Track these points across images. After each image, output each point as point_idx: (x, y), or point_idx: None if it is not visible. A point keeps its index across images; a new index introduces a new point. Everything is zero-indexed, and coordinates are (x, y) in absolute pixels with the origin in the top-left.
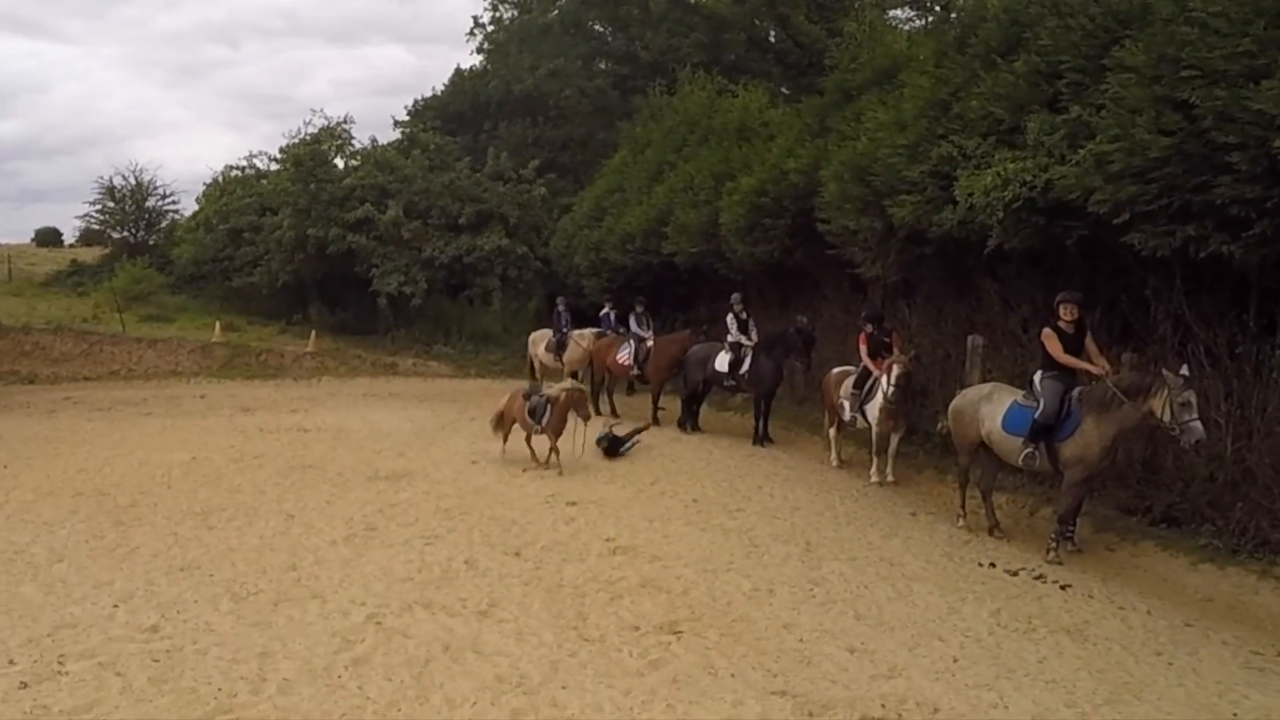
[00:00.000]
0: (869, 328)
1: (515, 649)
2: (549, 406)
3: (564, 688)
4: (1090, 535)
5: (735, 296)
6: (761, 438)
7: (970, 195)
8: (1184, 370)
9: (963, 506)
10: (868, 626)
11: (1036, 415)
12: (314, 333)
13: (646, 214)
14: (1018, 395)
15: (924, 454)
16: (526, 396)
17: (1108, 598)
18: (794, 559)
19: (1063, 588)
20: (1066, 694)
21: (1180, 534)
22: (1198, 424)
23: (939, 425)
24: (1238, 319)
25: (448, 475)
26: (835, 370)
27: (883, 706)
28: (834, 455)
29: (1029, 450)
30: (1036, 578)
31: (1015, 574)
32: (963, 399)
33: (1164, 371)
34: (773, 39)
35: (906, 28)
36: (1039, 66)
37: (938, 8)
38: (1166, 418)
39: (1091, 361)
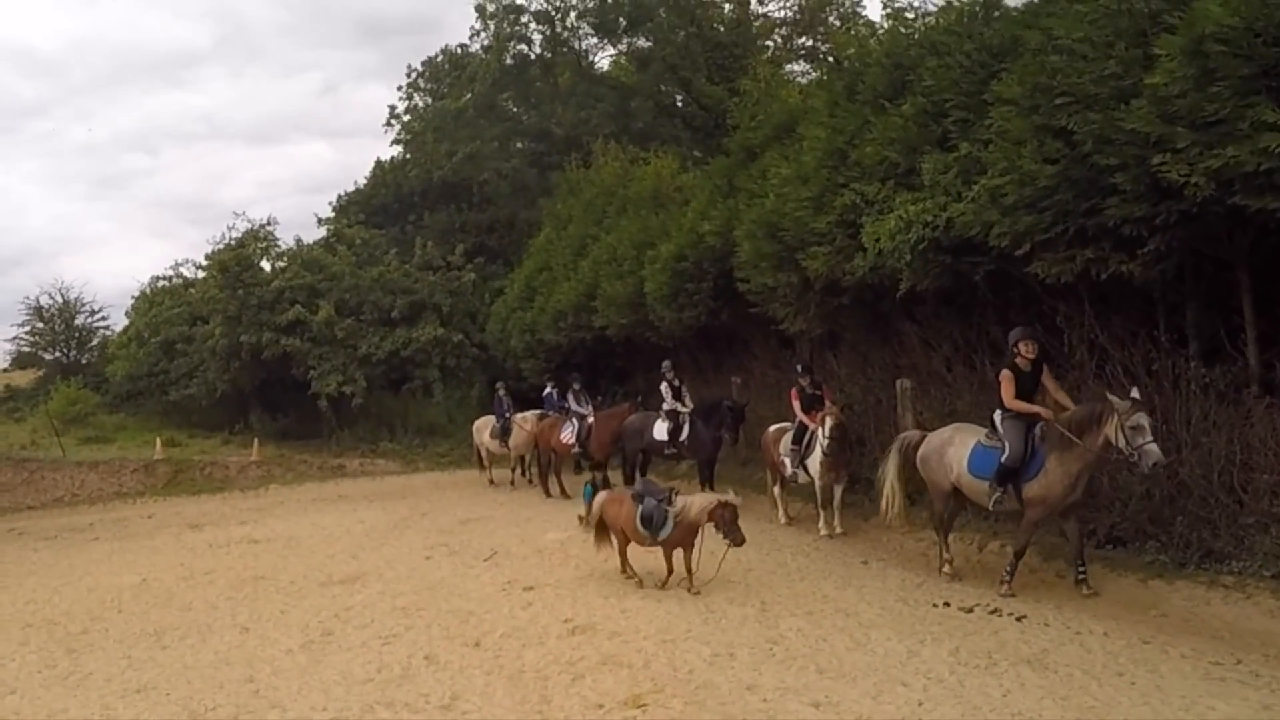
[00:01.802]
0: (803, 381)
1: None
2: (670, 515)
3: None
4: (1039, 564)
5: (666, 364)
6: None
7: (877, 241)
8: (1134, 393)
9: (946, 552)
10: (830, 680)
11: (1003, 459)
12: (257, 441)
13: (575, 289)
14: (980, 435)
15: (869, 502)
16: (638, 498)
17: (1063, 624)
18: (751, 620)
19: (1018, 619)
20: None
21: (1126, 553)
22: (1153, 446)
23: (880, 472)
24: (1149, 336)
25: (402, 573)
26: (773, 428)
27: None
28: (781, 513)
29: (998, 494)
30: (992, 612)
31: (970, 610)
32: (928, 446)
33: (1110, 396)
34: (679, 103)
35: (802, 80)
36: (925, 107)
37: (830, 58)
38: (1121, 444)
39: (1053, 397)
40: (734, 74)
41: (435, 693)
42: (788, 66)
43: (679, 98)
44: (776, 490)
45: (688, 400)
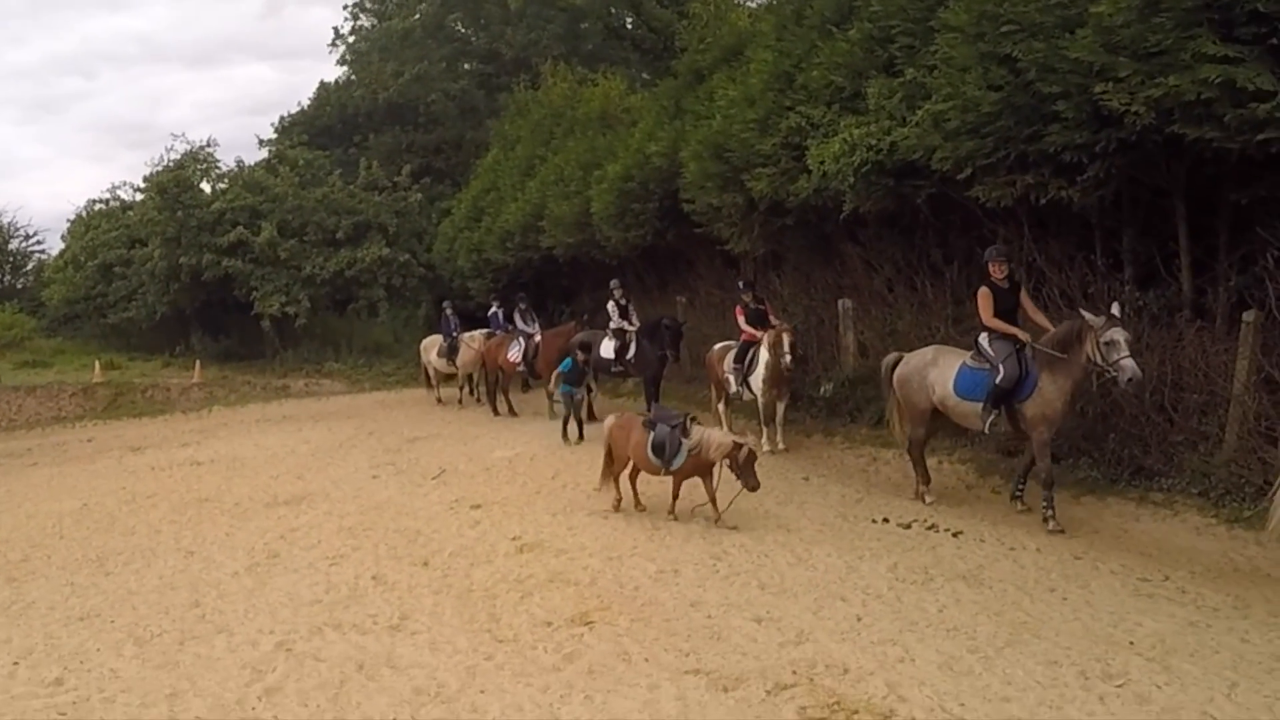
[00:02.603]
0: (744, 299)
1: (430, 659)
2: (683, 445)
3: (482, 692)
4: (976, 480)
5: (614, 283)
6: None
7: (821, 163)
8: (1114, 309)
9: (924, 479)
10: (771, 595)
11: (998, 380)
12: (199, 363)
13: (522, 210)
14: (964, 357)
15: (810, 419)
16: (649, 425)
17: (998, 540)
18: (695, 537)
19: (955, 535)
20: (969, 640)
21: (1060, 469)
22: (1129, 361)
23: (821, 389)
24: (1086, 260)
25: (349, 493)
26: (717, 346)
27: (794, 673)
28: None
29: (992, 416)
30: (929, 528)
31: (908, 527)
32: (907, 366)
33: (1083, 313)
34: (629, 26)
35: (751, 4)
36: (872, 33)
37: None
38: (1099, 360)
39: (1031, 318)
40: None
41: (384, 613)
42: None
43: (629, 20)
44: (721, 407)
45: (634, 319)
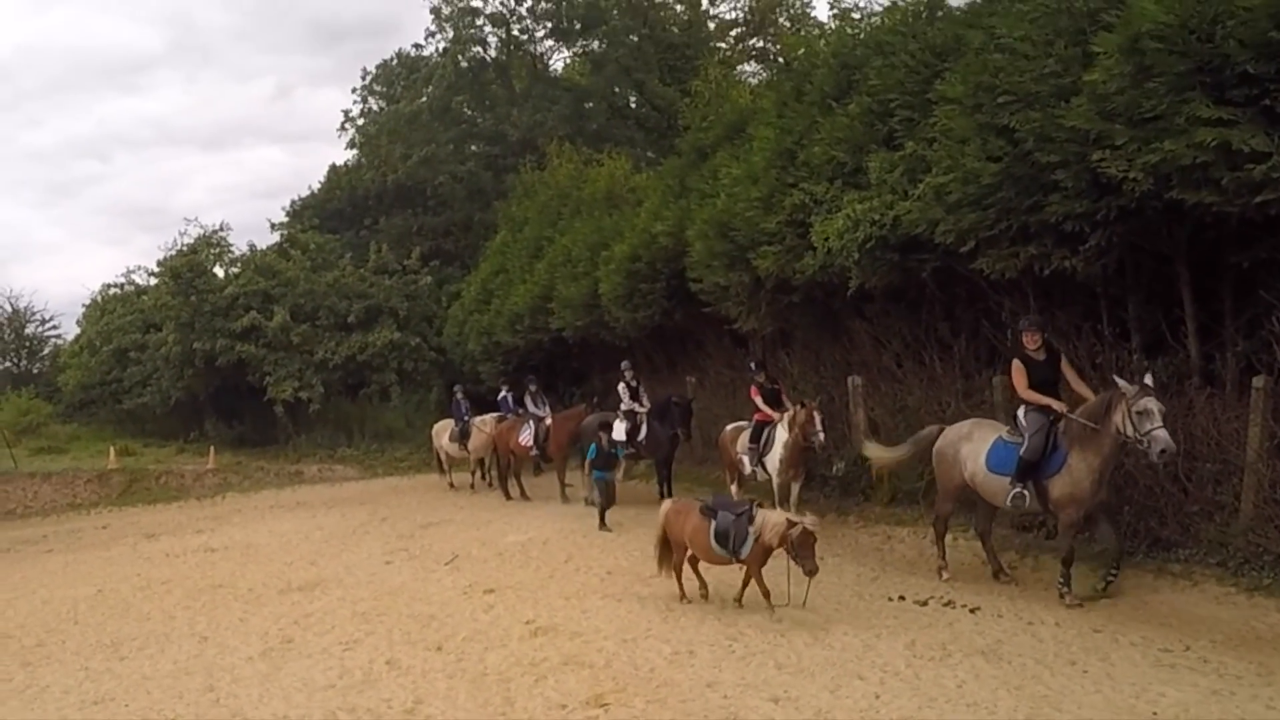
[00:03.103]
0: (758, 379)
1: None
2: (750, 532)
3: None
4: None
5: (624, 364)
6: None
7: (826, 239)
8: (1147, 379)
9: (943, 555)
10: (789, 675)
11: (1022, 452)
12: (212, 449)
13: (531, 291)
14: (1001, 431)
15: (824, 498)
16: (709, 512)
17: (1016, 615)
18: (710, 618)
19: (972, 611)
20: (989, 715)
21: (1077, 541)
22: (1161, 432)
23: (833, 468)
24: (1093, 329)
25: (362, 579)
26: (729, 427)
27: None
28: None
29: (1017, 490)
30: (945, 604)
31: (924, 604)
32: (944, 440)
33: (1118, 381)
34: (632, 105)
35: (754, 81)
36: (871, 106)
37: (779, 60)
38: (1129, 431)
39: (1074, 389)
40: (686, 75)
41: (398, 698)
42: (739, 67)
43: (632, 99)
44: (734, 489)
45: (644, 400)
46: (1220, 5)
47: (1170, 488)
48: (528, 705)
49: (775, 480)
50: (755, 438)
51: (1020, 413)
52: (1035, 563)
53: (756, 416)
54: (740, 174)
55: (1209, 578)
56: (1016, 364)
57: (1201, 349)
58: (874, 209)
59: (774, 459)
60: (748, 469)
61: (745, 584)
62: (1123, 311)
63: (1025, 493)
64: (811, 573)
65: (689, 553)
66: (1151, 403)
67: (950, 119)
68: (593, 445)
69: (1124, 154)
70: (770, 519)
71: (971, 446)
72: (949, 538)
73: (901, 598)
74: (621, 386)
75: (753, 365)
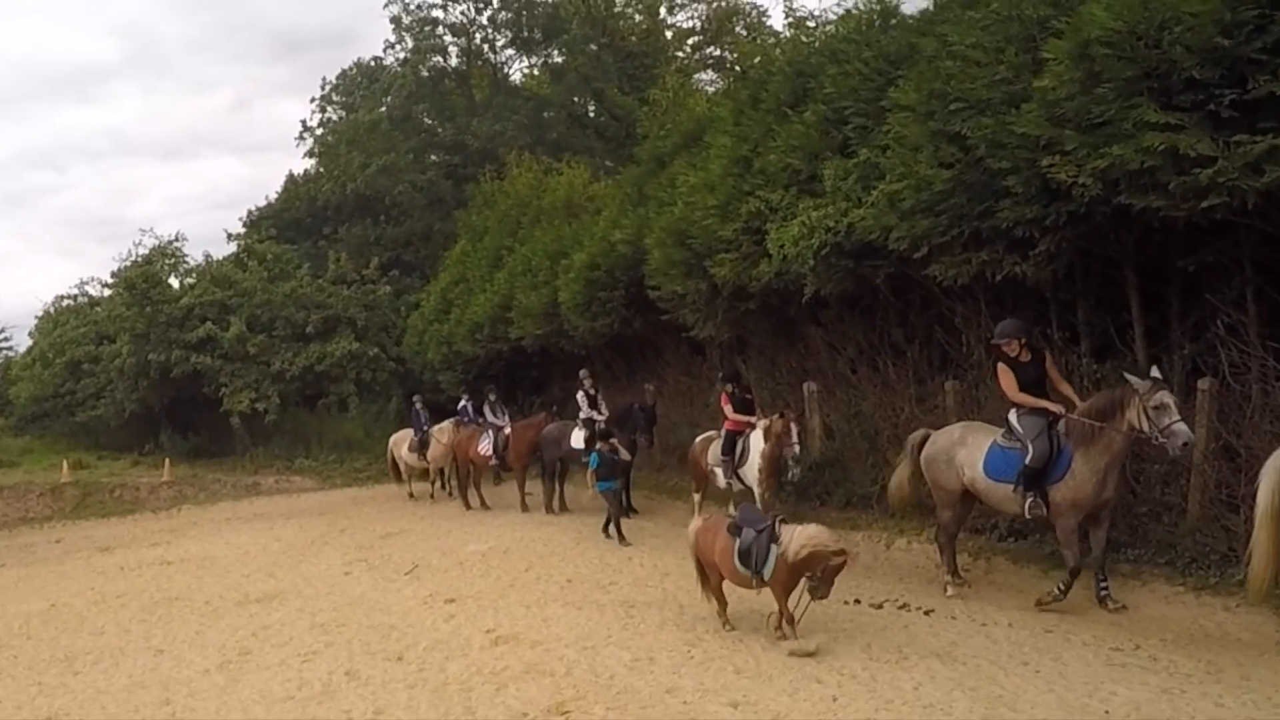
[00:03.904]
0: (729, 387)
1: None
2: (773, 553)
3: None
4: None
5: (583, 373)
6: (625, 509)
7: (782, 247)
8: (1154, 372)
9: (952, 566)
10: (747, 679)
11: (1028, 460)
12: (168, 461)
13: (491, 301)
14: (995, 435)
15: (779, 503)
16: (735, 530)
17: (970, 616)
18: (669, 624)
19: (927, 613)
20: (944, 715)
21: (1027, 545)
22: (1181, 425)
23: (789, 473)
24: (1043, 334)
25: (321, 590)
26: (699, 438)
27: None
28: (697, 514)
29: (1033, 499)
30: (901, 607)
31: (880, 606)
32: (934, 446)
33: (1129, 378)
34: (591, 114)
35: (710, 89)
36: (826, 114)
37: (735, 68)
38: (1146, 427)
39: (1060, 390)
40: (645, 84)
41: (358, 708)
42: (696, 76)
43: (591, 108)
44: (697, 498)
45: (603, 408)
46: (1167, 12)
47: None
48: (489, 714)
49: (757, 491)
50: (728, 449)
51: (1013, 417)
52: (988, 565)
53: (727, 426)
54: (697, 182)
55: (1158, 577)
56: (1003, 368)
57: (1149, 352)
58: (829, 216)
59: (752, 469)
60: (722, 482)
61: (783, 611)
62: (1072, 316)
63: (1036, 500)
64: (822, 598)
65: (720, 574)
66: (1167, 396)
67: (903, 126)
68: (594, 454)
69: (1073, 159)
70: (801, 535)
71: (967, 452)
72: (901, 540)
73: (857, 601)
74: (580, 395)
75: (721, 375)
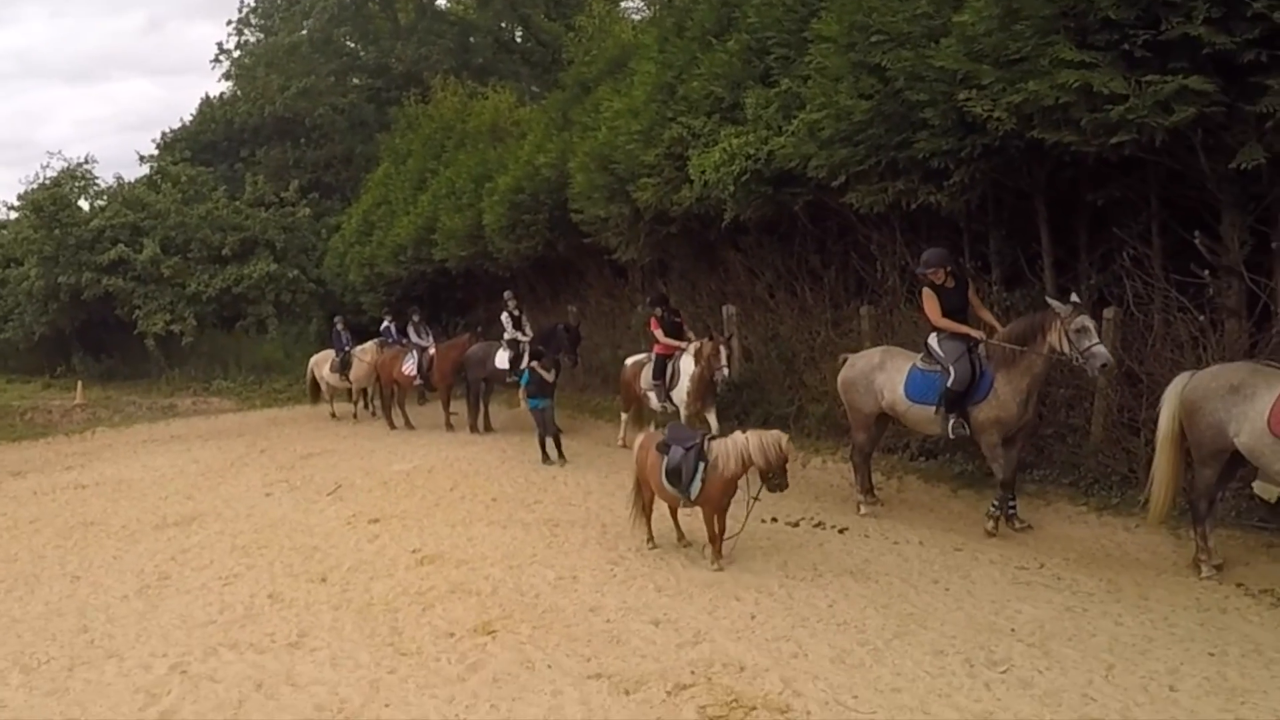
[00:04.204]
0: (657, 311)
1: (332, 675)
2: (701, 465)
3: (387, 706)
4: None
5: (507, 294)
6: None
7: (703, 173)
8: (1074, 298)
9: (867, 487)
10: (668, 597)
11: (949, 383)
12: (80, 383)
13: (414, 223)
14: (915, 359)
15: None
16: (663, 448)
17: (882, 534)
18: (593, 543)
19: (841, 531)
20: (858, 633)
21: (938, 464)
22: (1100, 348)
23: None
24: (955, 262)
25: (241, 511)
26: (629, 361)
27: (692, 673)
28: (623, 435)
29: (955, 420)
30: (816, 525)
31: (796, 525)
32: (851, 370)
33: (1050, 301)
34: (518, 39)
35: (637, 17)
36: (749, 44)
37: None
38: (1066, 349)
39: (981, 316)
40: (571, 10)
41: (281, 631)
42: (622, 4)
43: (518, 34)
44: (625, 417)
45: (528, 329)
46: None
47: None
48: (415, 634)
49: (684, 413)
50: (659, 373)
51: (933, 341)
52: (900, 484)
53: (657, 350)
54: (621, 108)
55: (1061, 497)
56: (927, 292)
57: (1057, 282)
58: (749, 144)
59: (681, 391)
60: (655, 404)
61: (709, 531)
62: (984, 246)
63: (965, 420)
64: (781, 488)
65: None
66: (1088, 320)
67: (825, 57)
68: (526, 372)
69: (989, 94)
70: (733, 445)
71: (886, 376)
72: (816, 460)
73: (774, 519)
74: (505, 316)
75: (649, 299)
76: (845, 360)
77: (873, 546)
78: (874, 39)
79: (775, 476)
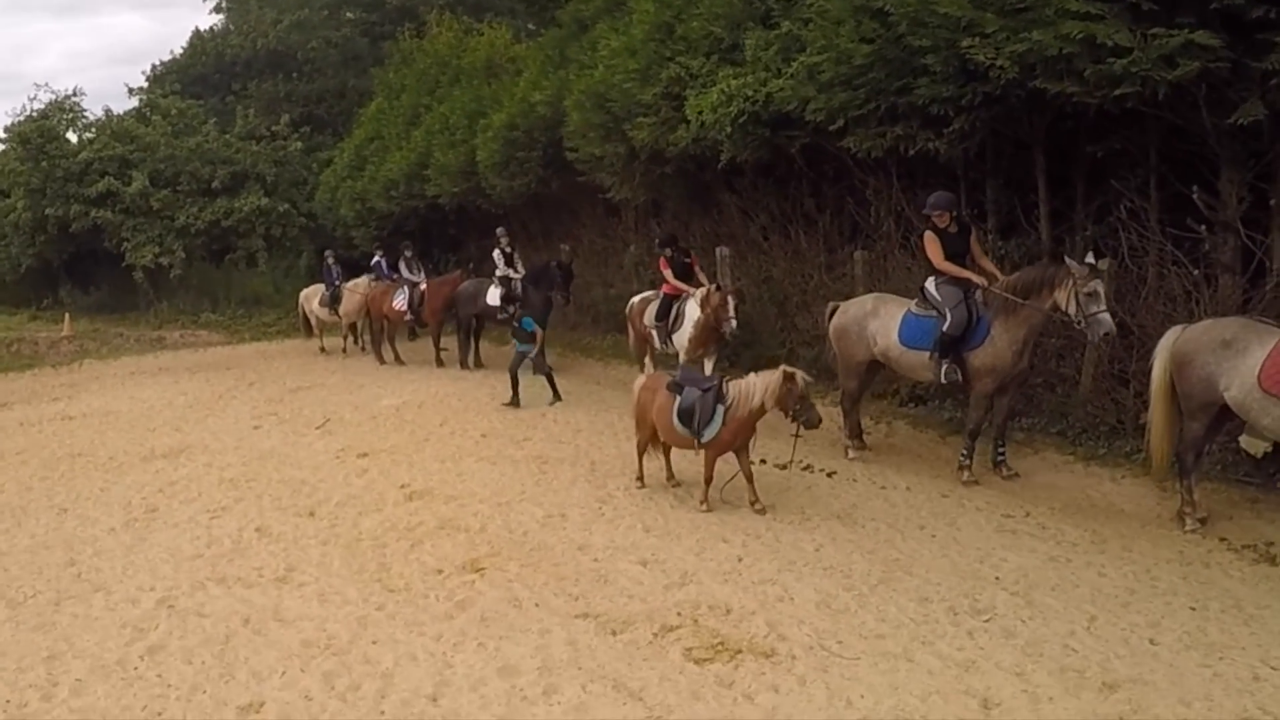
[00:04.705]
0: (667, 251)
1: (319, 611)
2: (719, 406)
3: (374, 642)
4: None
5: (500, 231)
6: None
7: (700, 113)
8: (1089, 258)
9: (857, 434)
10: (656, 538)
11: (945, 328)
12: (68, 316)
13: (407, 159)
14: (909, 305)
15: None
16: (675, 388)
17: (870, 479)
18: (581, 480)
19: (829, 475)
20: (844, 578)
21: (926, 410)
22: (1105, 315)
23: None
24: (959, 208)
25: (229, 444)
26: (636, 298)
27: (679, 614)
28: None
29: (948, 365)
30: (804, 469)
31: (785, 468)
32: (844, 316)
33: (1067, 260)
34: None
35: None
36: None
37: None
38: (1072, 310)
39: (980, 263)
40: None
41: (269, 565)
42: None
43: None
44: (647, 361)
45: (519, 266)
46: None
47: None
48: (403, 570)
49: (683, 358)
50: (663, 314)
51: (930, 285)
52: (889, 429)
53: (665, 289)
54: (619, 46)
55: (1049, 446)
56: (930, 235)
57: (1053, 232)
58: (748, 85)
59: (684, 335)
60: (658, 344)
61: (709, 473)
62: (981, 194)
63: (957, 366)
64: (814, 424)
65: (656, 433)
66: (1100, 285)
67: (827, 0)
68: (526, 319)
69: (993, 42)
70: (757, 382)
71: (880, 322)
72: None
73: (763, 461)
74: (496, 253)
75: (658, 240)
76: (836, 307)
77: (860, 491)
78: None
79: (803, 411)
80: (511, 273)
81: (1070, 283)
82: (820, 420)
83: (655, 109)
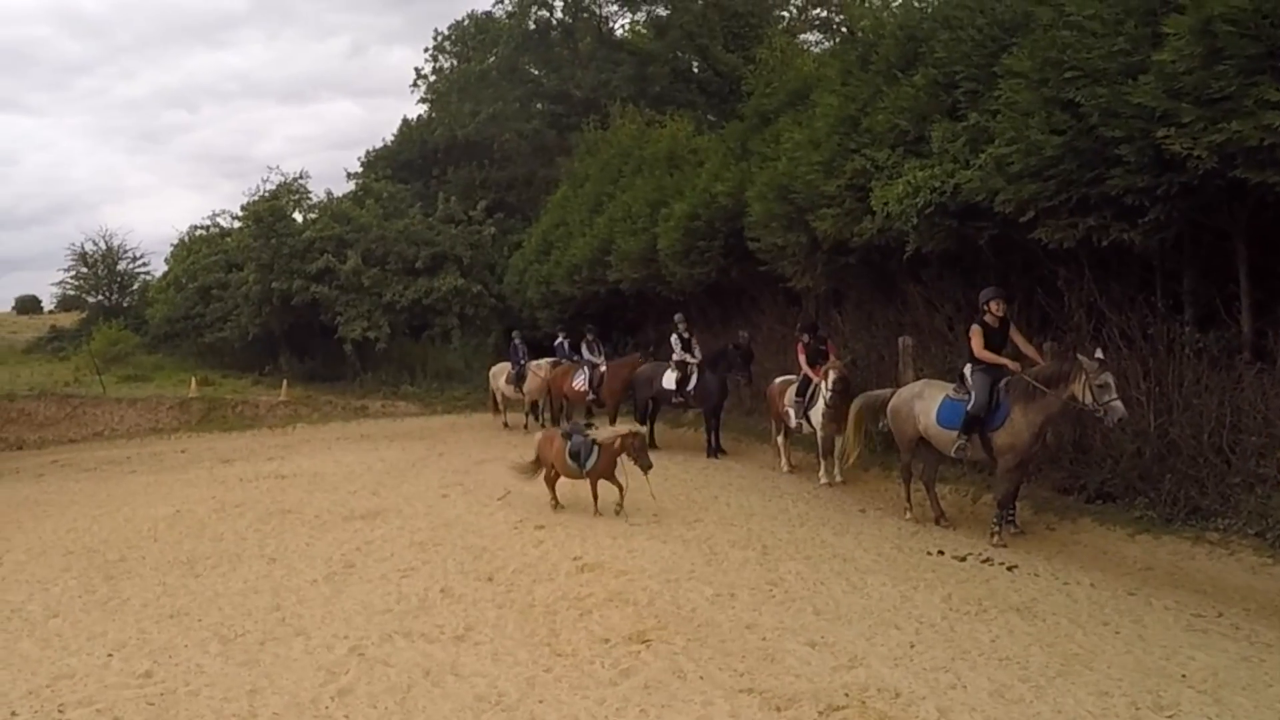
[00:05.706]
0: (805, 338)
1: (492, 669)
2: (596, 449)
3: (541, 702)
4: (1030, 516)
5: (678, 316)
6: (714, 450)
7: (885, 204)
8: (1098, 354)
9: (909, 500)
10: (826, 621)
11: (968, 407)
12: (285, 382)
13: (590, 244)
14: (948, 389)
15: (868, 453)
16: (567, 436)
17: (1052, 574)
18: (752, 562)
19: (1009, 569)
20: (1020, 669)
21: (1115, 508)
22: (1118, 403)
23: (880, 424)
24: (1146, 301)
25: (420, 510)
26: (778, 380)
27: (846, 695)
28: (784, 461)
29: (961, 441)
30: (984, 561)
31: (963, 559)
32: (898, 399)
33: (1079, 357)
34: (695, 69)
35: (816, 50)
36: (936, 78)
37: (844, 29)
38: (1088, 400)
39: (1021, 352)
40: (749, 43)
41: (450, 624)
42: (802, 36)
43: (695, 64)
44: (780, 440)
45: (696, 352)
46: None
47: (1214, 459)
48: (572, 638)
49: (819, 432)
50: (802, 391)
51: (968, 371)
52: (1074, 525)
53: (803, 373)
54: (802, 138)
55: (1246, 548)
56: (975, 329)
57: (1255, 325)
58: (935, 176)
59: (817, 413)
60: (793, 421)
61: (595, 493)
62: (1177, 285)
63: (967, 443)
64: (647, 468)
65: (556, 471)
66: (1109, 377)
67: (1015, 92)
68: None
69: (1189, 132)
70: (609, 433)
71: (923, 404)
72: (987, 497)
73: (940, 552)
74: (674, 338)
75: (799, 327)
76: (893, 392)
77: (1041, 585)
78: (1068, 74)
79: (640, 458)
80: (688, 358)
81: (1083, 377)
82: (650, 466)
83: (839, 200)
